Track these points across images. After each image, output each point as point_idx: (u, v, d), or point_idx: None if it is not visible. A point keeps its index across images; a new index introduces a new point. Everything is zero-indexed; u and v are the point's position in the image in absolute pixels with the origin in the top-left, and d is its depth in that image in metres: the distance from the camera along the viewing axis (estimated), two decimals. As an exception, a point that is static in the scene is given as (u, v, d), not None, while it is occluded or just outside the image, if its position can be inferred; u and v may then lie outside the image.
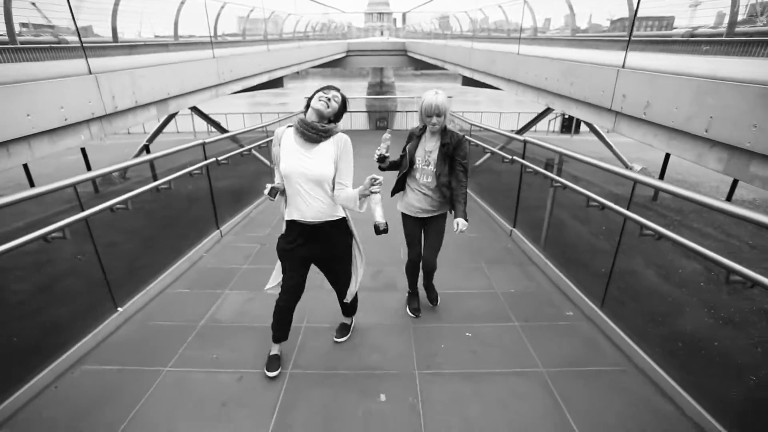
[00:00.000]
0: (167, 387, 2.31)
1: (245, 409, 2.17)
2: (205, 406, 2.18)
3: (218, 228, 4.38)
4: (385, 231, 1.98)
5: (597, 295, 2.89)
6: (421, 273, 2.94)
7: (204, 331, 2.81)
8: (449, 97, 2.52)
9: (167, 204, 4.12)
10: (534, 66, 6.14)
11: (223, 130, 10.99)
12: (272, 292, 2.40)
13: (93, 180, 2.67)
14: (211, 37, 7.51)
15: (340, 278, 2.42)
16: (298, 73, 14.32)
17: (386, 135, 2.39)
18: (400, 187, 2.72)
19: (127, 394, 2.25)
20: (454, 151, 2.48)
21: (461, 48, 11.56)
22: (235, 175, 5.17)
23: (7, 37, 4.16)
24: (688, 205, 5.90)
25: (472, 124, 6.32)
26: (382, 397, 2.24)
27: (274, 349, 2.46)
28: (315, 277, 2.45)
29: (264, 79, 9.35)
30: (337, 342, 2.69)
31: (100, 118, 3.81)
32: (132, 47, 5.68)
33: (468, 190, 2.65)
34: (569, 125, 18.16)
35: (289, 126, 2.11)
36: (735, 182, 8.05)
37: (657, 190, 3.18)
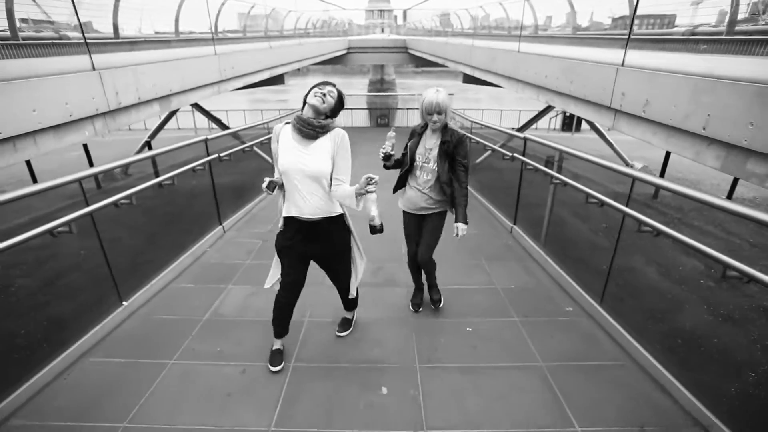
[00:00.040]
0: (173, 378, 2.36)
1: (249, 401, 2.21)
2: (210, 398, 2.22)
3: (221, 224, 4.41)
4: (380, 231, 1.99)
5: (596, 292, 2.93)
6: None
7: (208, 325, 2.85)
8: (450, 94, 2.54)
9: (170, 200, 4.16)
10: (534, 64, 6.16)
11: (224, 127, 11.00)
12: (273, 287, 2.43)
13: (95, 176, 2.69)
14: (212, 33, 7.51)
15: (339, 274, 2.45)
16: (299, 69, 14.31)
17: (391, 133, 2.40)
18: (401, 184, 2.73)
19: (135, 385, 2.29)
20: (455, 150, 2.48)
21: (462, 45, 11.56)
22: (237, 172, 5.20)
23: (8, 33, 4.18)
24: (689, 203, 5.92)
25: (473, 122, 6.35)
26: (384, 390, 2.28)
27: (277, 344, 2.50)
28: (317, 272, 2.49)
29: (265, 75, 9.35)
30: (339, 336, 2.72)
31: (103, 114, 3.84)
32: (134, 43, 5.68)
33: (469, 188, 2.67)
34: (570, 123, 18.16)
35: (287, 123, 2.12)
36: (735, 180, 8.06)
37: (657, 187, 3.21)
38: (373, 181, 1.91)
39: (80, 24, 3.74)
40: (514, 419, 2.10)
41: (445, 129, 2.51)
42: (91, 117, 3.70)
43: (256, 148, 5.37)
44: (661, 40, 4.35)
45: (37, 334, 2.83)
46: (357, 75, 46.31)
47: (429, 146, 2.55)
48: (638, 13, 4.56)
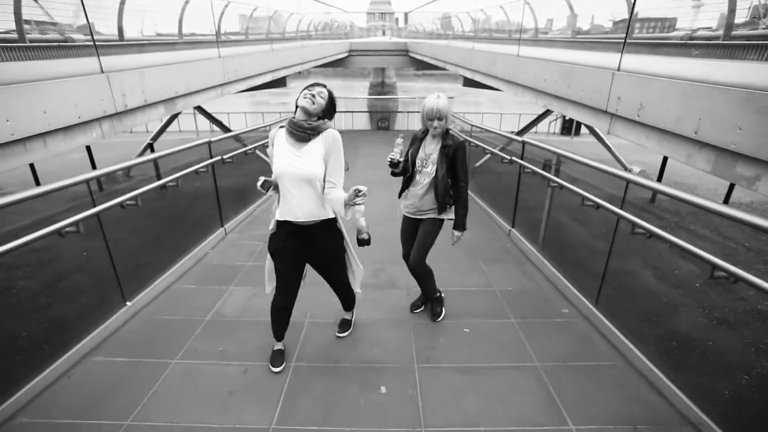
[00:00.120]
0: (175, 378, 2.40)
1: (251, 399, 2.25)
2: (212, 396, 2.27)
3: (222, 226, 4.47)
4: (368, 243, 2.01)
5: (592, 294, 2.98)
6: None
7: (210, 326, 2.90)
8: (450, 97, 2.58)
9: (173, 202, 4.21)
10: (533, 68, 6.22)
11: (226, 129, 11.08)
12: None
13: (98, 178, 2.72)
14: (216, 35, 7.58)
15: (335, 277, 2.47)
16: (300, 72, 14.39)
17: (399, 140, 2.44)
18: (405, 189, 2.77)
19: (138, 384, 2.34)
20: (454, 155, 2.50)
21: (462, 49, 11.64)
22: (239, 174, 5.25)
23: (16, 35, 4.25)
24: (685, 208, 5.96)
25: (472, 125, 6.40)
26: (383, 389, 2.32)
27: (278, 345, 2.54)
28: (318, 274, 2.53)
29: (268, 78, 9.43)
30: (339, 337, 2.77)
31: (111, 116, 3.90)
32: (140, 46, 5.75)
33: (468, 192, 2.71)
34: (569, 127, 18.22)
35: (281, 126, 2.13)
36: (732, 185, 8.11)
37: (654, 192, 3.26)
38: (361, 193, 1.87)
39: (90, 27, 3.80)
40: (510, 418, 2.15)
41: (446, 134, 2.53)
42: (99, 119, 3.77)
43: (258, 151, 5.43)
44: (656, 44, 4.41)
45: (38, 336, 2.88)
46: (358, 78, 46.44)
47: (429, 152, 2.58)
48: (640, 16, 4.62)
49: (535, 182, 4.02)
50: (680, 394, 2.18)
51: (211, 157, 4.10)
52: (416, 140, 2.65)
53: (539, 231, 3.90)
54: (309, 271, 2.47)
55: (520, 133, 10.62)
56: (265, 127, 6.19)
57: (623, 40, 3.78)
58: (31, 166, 7.55)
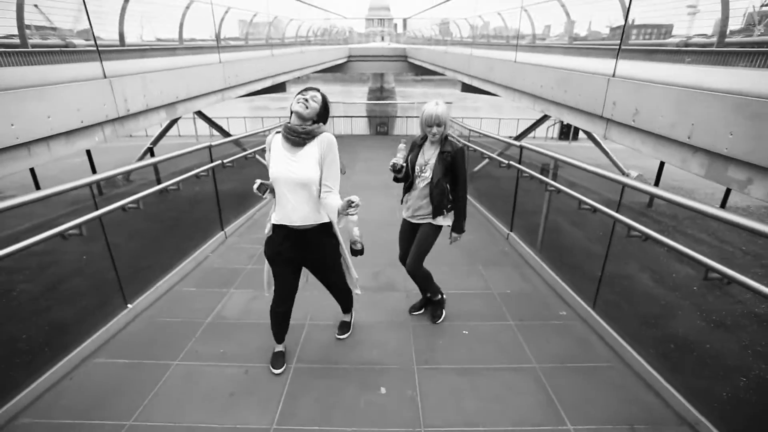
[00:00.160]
0: (177, 379, 2.42)
1: (252, 400, 2.27)
2: (213, 397, 2.29)
3: (223, 229, 4.49)
4: (361, 253, 2.04)
5: (590, 296, 3.01)
6: None
7: (211, 328, 2.91)
8: (449, 102, 2.63)
9: (174, 206, 4.24)
10: (530, 74, 6.29)
11: (226, 134, 11.13)
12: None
13: (98, 182, 2.74)
14: (217, 41, 7.64)
15: (332, 280, 2.49)
16: (299, 77, 14.48)
17: (401, 146, 2.48)
18: (405, 194, 2.78)
19: (139, 385, 2.35)
20: (453, 160, 2.53)
21: (461, 55, 11.74)
22: (239, 178, 5.28)
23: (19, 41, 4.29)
24: (683, 212, 6.00)
25: (471, 130, 6.46)
26: (383, 390, 2.35)
27: (278, 347, 2.56)
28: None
29: (268, 83, 9.49)
30: (339, 339, 2.79)
31: (113, 120, 3.94)
32: (141, 51, 5.80)
33: (467, 196, 2.75)
34: (567, 132, 18.34)
35: (277, 132, 2.16)
36: (729, 190, 8.17)
37: (651, 196, 3.30)
38: (354, 204, 1.87)
39: (93, 32, 3.83)
40: (509, 418, 2.17)
41: (445, 140, 2.56)
42: (101, 123, 3.80)
43: (258, 156, 5.47)
44: (650, 51, 4.47)
45: (39, 339, 2.89)
46: (357, 83, 46.69)
47: (427, 158, 2.61)
48: (636, 23, 4.69)
49: (533, 186, 4.07)
50: (677, 395, 2.21)
51: (212, 161, 4.14)
52: (415, 146, 2.68)
53: (537, 234, 3.94)
54: (309, 273, 2.50)
55: (519, 137, 10.69)
56: (264, 131, 6.23)
57: (618, 47, 3.84)
58: (32, 170, 7.56)
